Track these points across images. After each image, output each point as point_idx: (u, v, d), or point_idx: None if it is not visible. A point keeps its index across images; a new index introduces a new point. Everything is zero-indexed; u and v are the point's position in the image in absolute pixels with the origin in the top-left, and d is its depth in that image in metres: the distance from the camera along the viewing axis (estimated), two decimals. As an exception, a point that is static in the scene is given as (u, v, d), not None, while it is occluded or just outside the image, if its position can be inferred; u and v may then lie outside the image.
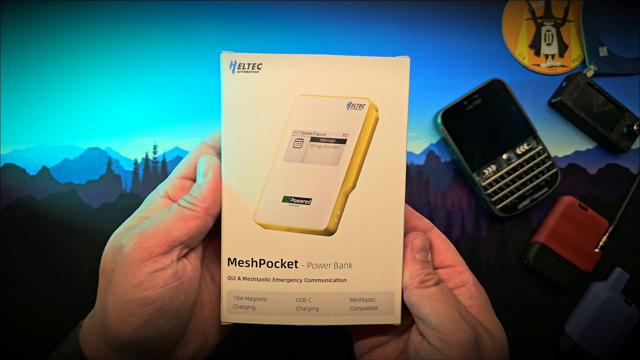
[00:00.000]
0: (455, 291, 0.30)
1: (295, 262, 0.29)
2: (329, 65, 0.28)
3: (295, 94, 0.29)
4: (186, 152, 0.45)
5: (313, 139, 0.29)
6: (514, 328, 0.45)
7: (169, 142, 0.45)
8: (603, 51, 0.46)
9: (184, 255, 0.27)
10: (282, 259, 0.29)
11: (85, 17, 0.45)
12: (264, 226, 0.29)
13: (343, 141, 0.29)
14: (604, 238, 0.44)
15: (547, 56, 0.47)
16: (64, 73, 0.45)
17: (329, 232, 0.29)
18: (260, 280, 0.29)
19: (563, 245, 0.44)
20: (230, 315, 0.29)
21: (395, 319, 0.29)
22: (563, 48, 0.47)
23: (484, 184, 0.44)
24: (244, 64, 0.28)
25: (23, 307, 0.43)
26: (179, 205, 0.27)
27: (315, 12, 0.46)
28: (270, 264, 0.29)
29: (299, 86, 0.28)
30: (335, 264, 0.29)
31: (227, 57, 0.28)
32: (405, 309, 0.29)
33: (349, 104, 0.29)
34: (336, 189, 0.28)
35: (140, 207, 0.30)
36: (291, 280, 0.29)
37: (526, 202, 0.44)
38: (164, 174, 0.45)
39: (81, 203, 0.44)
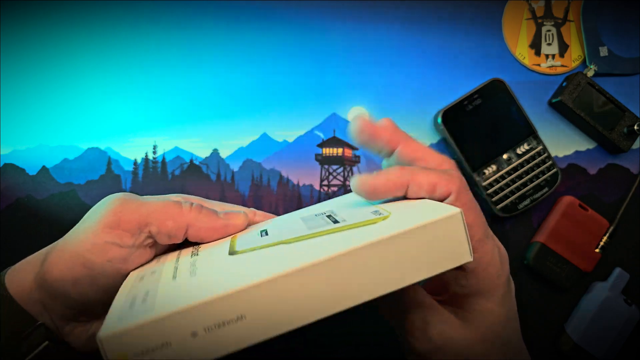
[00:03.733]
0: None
1: None
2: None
3: None
4: (186, 152, 0.45)
5: None
6: (514, 328, 0.45)
7: (168, 142, 0.45)
8: (603, 51, 0.46)
9: (147, 245, 0.27)
10: None
11: (85, 17, 0.45)
12: None
13: None
14: (604, 238, 0.44)
15: (547, 56, 0.47)
16: (63, 73, 0.45)
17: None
18: None
19: (563, 245, 0.44)
20: None
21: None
22: (563, 48, 0.47)
23: (484, 184, 0.44)
24: None
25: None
26: (180, 201, 0.27)
27: (315, 12, 0.46)
28: None
29: None
30: None
31: None
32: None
33: None
34: None
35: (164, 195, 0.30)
36: None
37: (526, 202, 0.44)
38: (164, 174, 0.45)
39: (81, 203, 0.44)
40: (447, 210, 0.23)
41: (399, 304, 0.28)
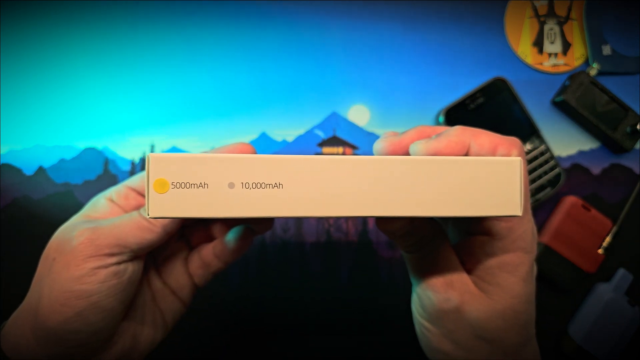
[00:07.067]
0: None
1: None
2: None
3: None
4: (184, 152, 0.45)
5: None
6: (517, 330, 0.44)
7: (166, 142, 0.45)
8: (606, 50, 0.46)
9: (133, 257, 0.27)
10: None
11: (82, 16, 0.45)
12: None
13: None
14: (608, 239, 0.44)
15: (550, 54, 0.47)
16: (60, 73, 0.44)
17: None
18: None
19: (566, 246, 0.43)
20: None
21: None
22: (566, 46, 0.47)
23: (486, 184, 0.43)
24: None
25: (19, 309, 0.43)
26: (140, 214, 0.27)
27: (315, 10, 0.46)
28: None
29: None
30: None
31: None
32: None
33: None
34: None
35: (85, 207, 0.30)
36: None
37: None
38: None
39: (78, 203, 0.44)
40: (507, 158, 0.23)
41: (433, 257, 0.27)
